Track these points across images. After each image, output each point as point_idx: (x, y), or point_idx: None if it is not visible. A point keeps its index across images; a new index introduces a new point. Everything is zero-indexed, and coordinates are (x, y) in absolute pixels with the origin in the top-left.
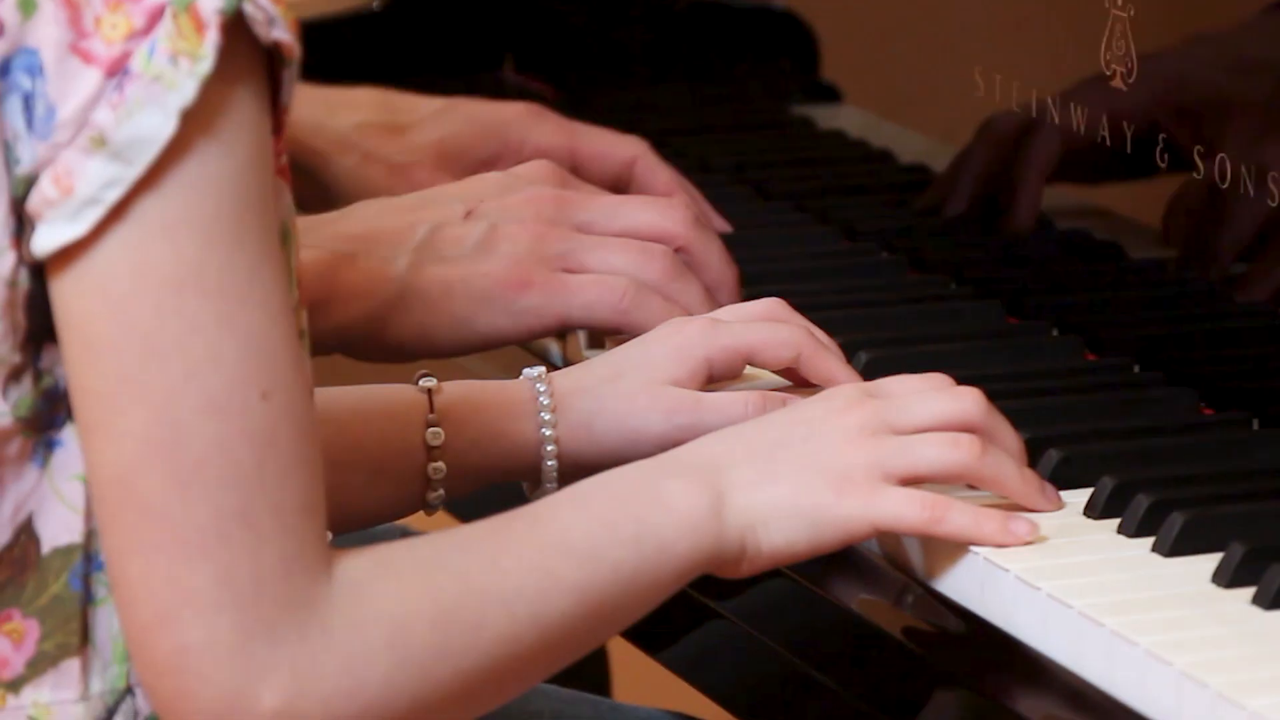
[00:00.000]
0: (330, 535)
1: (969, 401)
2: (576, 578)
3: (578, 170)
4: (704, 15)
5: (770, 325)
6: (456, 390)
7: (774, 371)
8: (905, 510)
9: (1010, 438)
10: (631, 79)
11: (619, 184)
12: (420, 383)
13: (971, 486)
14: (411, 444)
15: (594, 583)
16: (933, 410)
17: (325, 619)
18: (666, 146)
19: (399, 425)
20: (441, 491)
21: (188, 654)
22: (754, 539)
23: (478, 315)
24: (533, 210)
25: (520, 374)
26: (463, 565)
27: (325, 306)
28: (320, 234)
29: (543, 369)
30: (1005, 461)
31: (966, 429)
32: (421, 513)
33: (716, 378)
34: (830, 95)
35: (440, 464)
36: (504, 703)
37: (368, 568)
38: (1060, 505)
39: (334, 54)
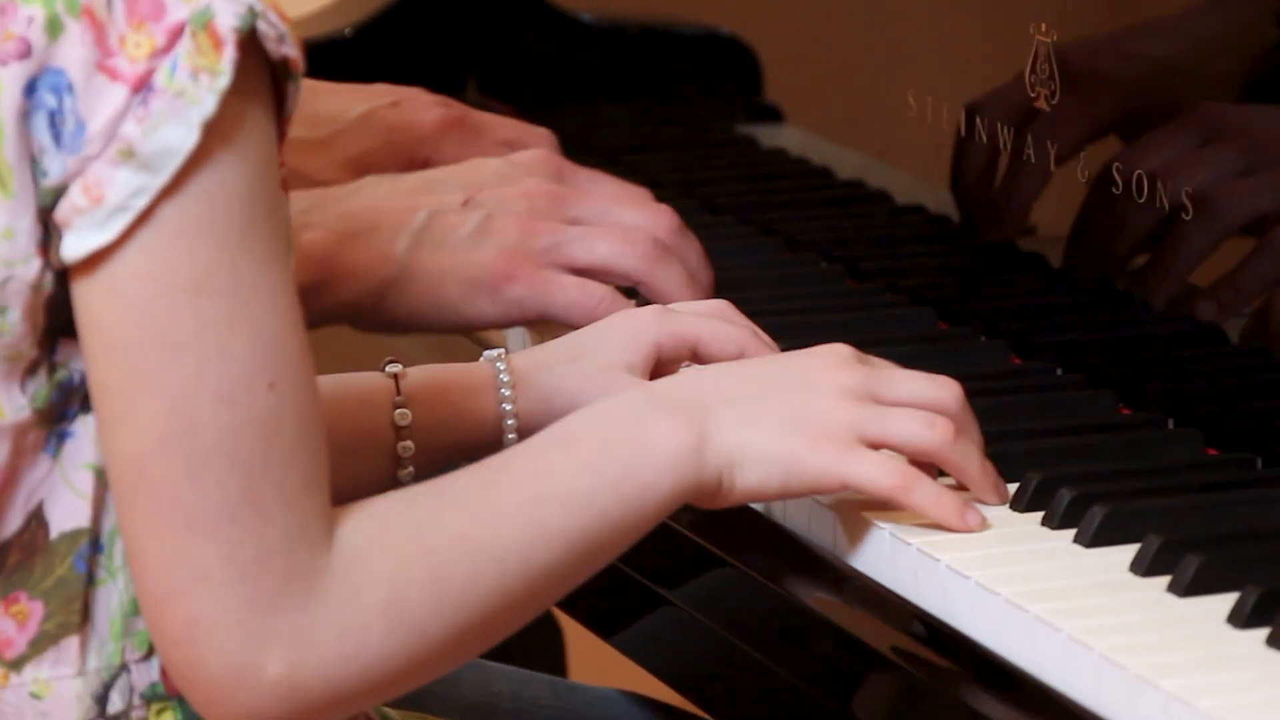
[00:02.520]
0: None
1: (949, 391)
2: (564, 526)
3: None
4: (655, 41)
5: (718, 321)
6: (421, 374)
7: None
8: (877, 474)
9: (976, 432)
10: (587, 100)
11: None
12: (387, 369)
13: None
14: (381, 426)
15: (581, 529)
16: (915, 389)
17: (325, 589)
18: (619, 164)
19: (369, 409)
20: (411, 469)
21: (198, 626)
22: (730, 476)
23: (466, 301)
24: (526, 204)
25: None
26: (456, 523)
27: (331, 283)
28: (327, 212)
29: (502, 350)
30: (972, 451)
31: (942, 413)
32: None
33: (664, 362)
34: (773, 116)
35: (409, 443)
36: (495, 644)
37: (365, 533)
38: (1006, 500)
39: (309, 77)
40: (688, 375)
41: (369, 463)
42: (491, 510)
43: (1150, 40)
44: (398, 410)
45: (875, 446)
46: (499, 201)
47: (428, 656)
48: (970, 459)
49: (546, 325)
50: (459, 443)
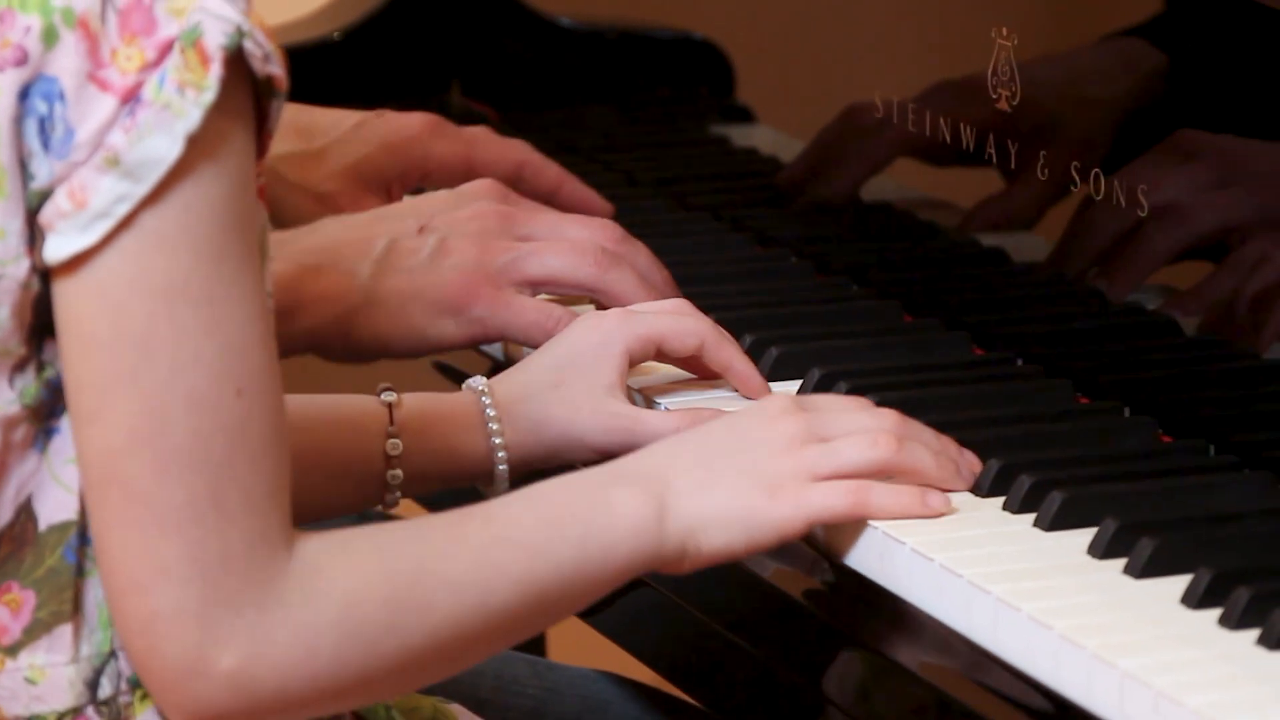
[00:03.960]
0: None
1: (888, 419)
2: (521, 571)
3: (475, 175)
4: (631, 45)
5: (677, 316)
6: (414, 404)
7: (677, 362)
8: (834, 500)
9: (930, 438)
10: (566, 102)
11: (513, 185)
12: (382, 396)
13: None
14: (372, 453)
15: (537, 576)
16: (855, 422)
17: (282, 593)
18: (597, 162)
19: (362, 435)
20: (398, 494)
21: (157, 619)
22: (694, 542)
23: (430, 323)
24: (478, 225)
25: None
26: (417, 552)
27: (295, 312)
28: (289, 249)
29: (484, 380)
30: (920, 452)
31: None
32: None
33: (634, 364)
34: (744, 116)
35: (398, 471)
36: (448, 677)
37: (326, 548)
38: (969, 484)
39: (299, 80)
40: (644, 453)
41: (358, 485)
42: (452, 545)
43: (1054, 70)
44: (390, 440)
45: (831, 480)
46: (452, 225)
47: (379, 674)
48: (922, 460)
49: None
50: (448, 473)
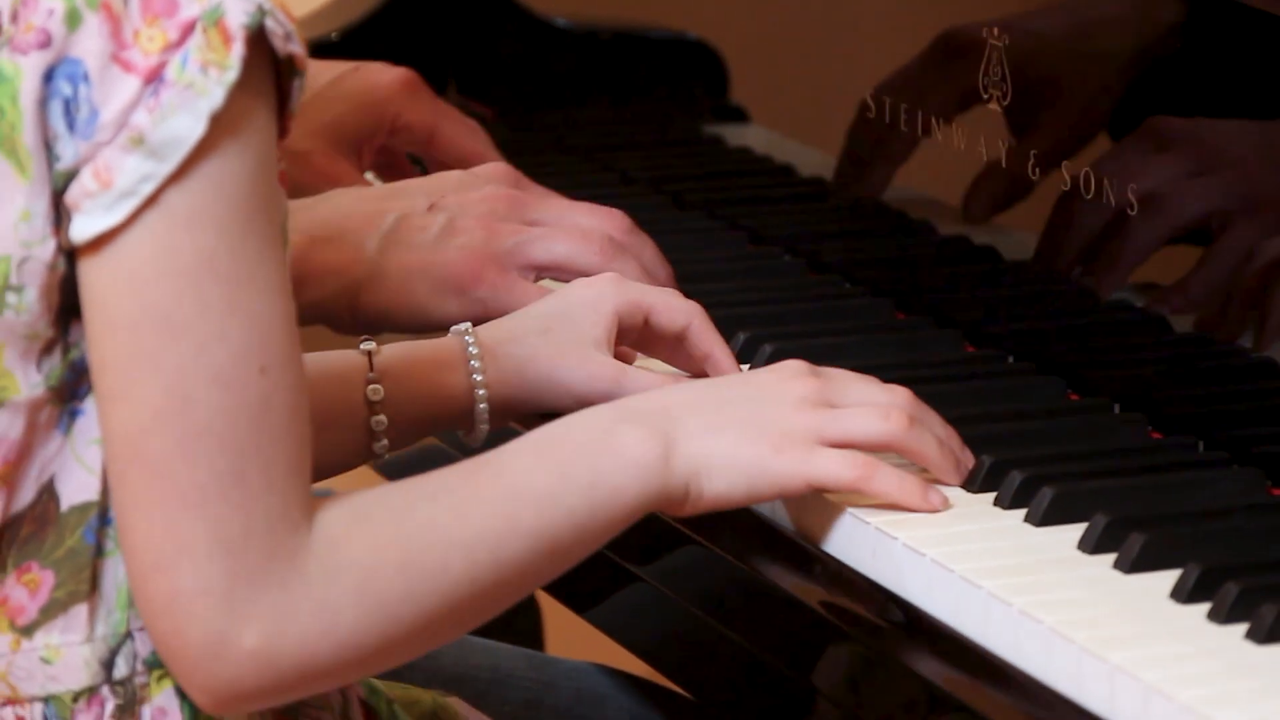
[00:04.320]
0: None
1: (901, 395)
2: (534, 523)
3: (431, 149)
4: (626, 45)
5: (670, 293)
6: (393, 350)
7: (661, 355)
8: (839, 469)
9: (937, 425)
10: (562, 101)
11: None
12: (361, 346)
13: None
14: (354, 401)
15: (550, 527)
16: (868, 393)
17: (303, 568)
18: (593, 161)
19: (343, 385)
20: (386, 441)
21: (180, 598)
22: (697, 484)
23: (434, 300)
24: (488, 207)
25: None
26: (430, 513)
27: (302, 284)
28: (298, 218)
29: (469, 324)
30: (928, 437)
31: None
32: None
33: (622, 331)
34: (738, 116)
35: (381, 417)
36: (464, 633)
37: (344, 518)
38: (963, 479)
39: None
40: (654, 392)
41: (344, 435)
42: (463, 503)
43: (1050, 21)
44: (370, 386)
45: (836, 446)
46: (462, 205)
47: (398, 638)
48: (927, 444)
49: None
50: (432, 415)
